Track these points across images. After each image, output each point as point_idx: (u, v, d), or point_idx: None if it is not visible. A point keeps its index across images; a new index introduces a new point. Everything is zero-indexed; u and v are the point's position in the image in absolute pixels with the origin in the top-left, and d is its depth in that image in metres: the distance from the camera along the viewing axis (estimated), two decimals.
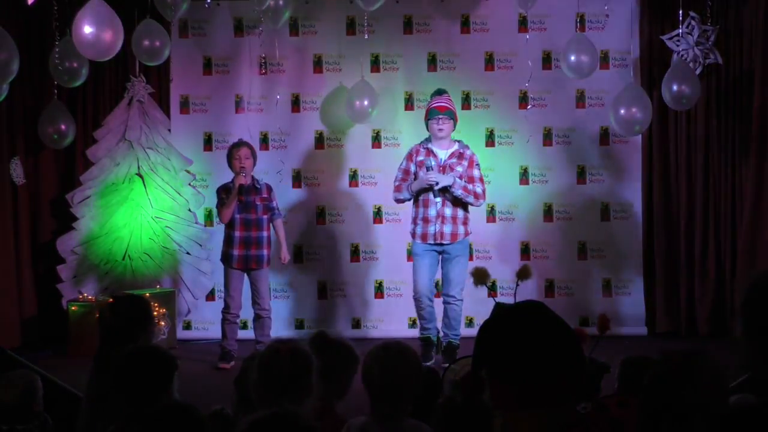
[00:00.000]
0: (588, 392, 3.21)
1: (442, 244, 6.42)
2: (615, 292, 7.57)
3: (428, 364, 6.13)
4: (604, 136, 7.57)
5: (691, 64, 7.19)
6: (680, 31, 7.21)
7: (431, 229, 6.39)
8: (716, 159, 7.42)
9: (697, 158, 7.44)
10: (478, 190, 6.44)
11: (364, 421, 3.04)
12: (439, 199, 6.33)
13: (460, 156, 6.46)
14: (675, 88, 6.81)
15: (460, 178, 6.40)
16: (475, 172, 6.49)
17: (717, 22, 7.26)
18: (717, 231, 7.42)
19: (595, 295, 7.57)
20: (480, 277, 4.80)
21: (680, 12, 7.03)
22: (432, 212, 6.38)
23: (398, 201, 6.63)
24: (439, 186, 6.28)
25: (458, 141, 6.57)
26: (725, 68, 7.36)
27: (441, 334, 6.58)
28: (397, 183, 6.53)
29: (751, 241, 7.24)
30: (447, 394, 3.00)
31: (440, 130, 6.39)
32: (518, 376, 1.86)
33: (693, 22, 7.24)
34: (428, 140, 6.53)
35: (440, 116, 6.39)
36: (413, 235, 6.52)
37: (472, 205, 6.49)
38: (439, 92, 6.57)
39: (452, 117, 6.45)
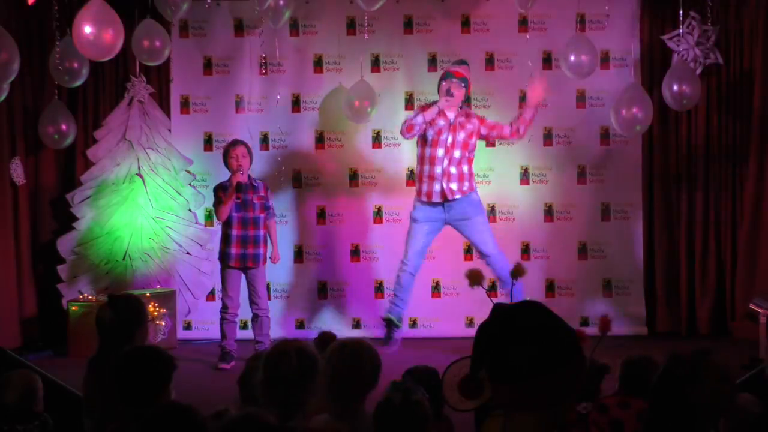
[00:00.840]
0: (588, 392, 3.21)
1: (448, 202, 6.49)
2: (615, 292, 7.57)
3: (389, 349, 6.28)
4: (605, 136, 7.57)
5: (691, 64, 7.19)
6: (681, 31, 7.21)
7: (437, 186, 6.49)
8: (716, 159, 7.42)
9: (697, 158, 7.44)
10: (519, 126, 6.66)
11: (325, 418, 3.05)
12: (446, 159, 6.45)
13: (467, 115, 6.61)
14: (675, 88, 6.81)
15: (471, 135, 6.56)
16: (488, 121, 6.67)
17: (717, 22, 7.26)
18: (717, 231, 7.43)
19: (595, 295, 7.57)
20: (475, 278, 4.80)
21: (680, 12, 7.03)
22: (438, 170, 6.49)
23: (409, 128, 6.52)
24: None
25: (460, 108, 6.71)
26: (725, 68, 7.36)
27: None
28: (410, 117, 6.62)
29: (751, 241, 7.25)
30: (387, 394, 3.00)
31: (449, 91, 6.47)
32: (518, 377, 1.86)
33: (693, 22, 7.24)
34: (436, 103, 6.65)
35: (454, 79, 6.50)
36: (419, 193, 6.60)
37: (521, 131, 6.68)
38: (460, 62, 6.76)
39: (466, 85, 6.58)
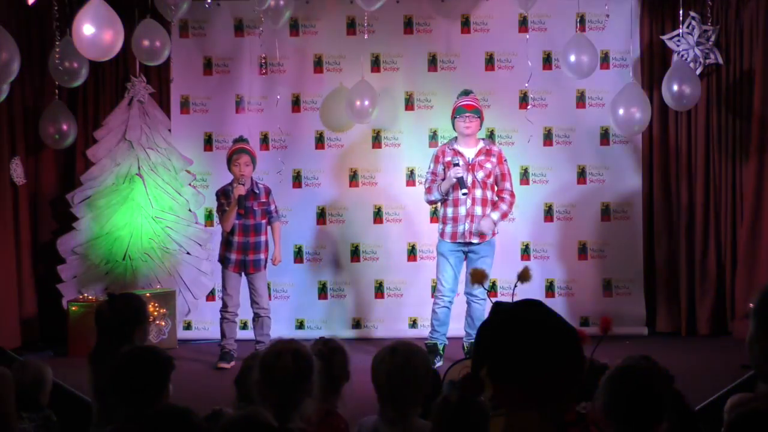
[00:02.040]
0: (588, 392, 3.21)
1: (470, 243, 6.39)
2: (615, 292, 7.57)
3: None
4: (605, 136, 7.57)
5: (691, 64, 7.19)
6: (680, 31, 7.21)
7: (461, 228, 6.37)
8: (716, 159, 7.42)
9: (697, 158, 7.44)
10: (506, 200, 6.49)
11: (374, 421, 3.04)
12: (469, 199, 6.33)
13: (487, 153, 6.47)
14: (675, 88, 6.82)
15: (489, 176, 6.42)
16: (504, 168, 6.53)
17: (717, 22, 7.26)
18: (717, 231, 7.42)
19: (595, 295, 7.56)
20: (477, 277, 4.79)
21: (680, 12, 7.04)
22: (462, 211, 6.36)
23: (430, 203, 6.71)
24: (467, 193, 6.31)
25: (483, 139, 6.61)
26: (725, 68, 7.36)
27: (464, 335, 6.54)
28: (427, 185, 6.52)
29: (751, 241, 7.24)
30: (444, 394, 2.99)
31: (467, 127, 6.39)
32: (518, 375, 1.86)
33: (693, 22, 7.24)
34: (454, 140, 6.53)
35: (467, 114, 6.40)
36: (442, 234, 6.46)
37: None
38: (466, 92, 6.59)
39: (479, 115, 6.47)
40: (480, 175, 6.39)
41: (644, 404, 2.42)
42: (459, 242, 6.40)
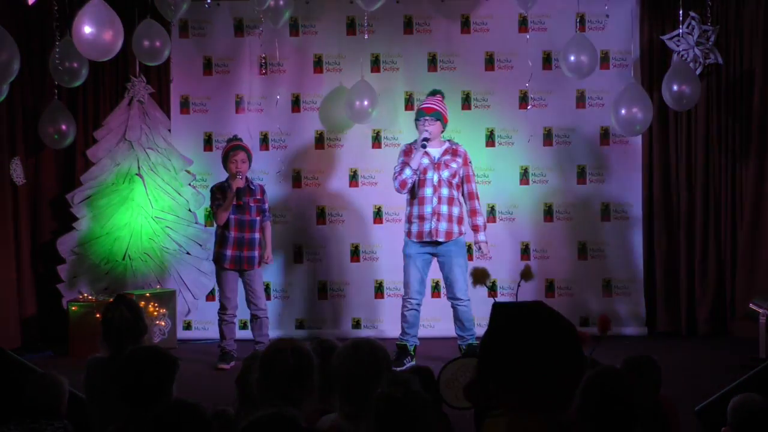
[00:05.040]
0: None
1: (437, 243, 6.42)
2: (615, 292, 7.57)
3: (398, 369, 6.09)
4: (604, 136, 7.57)
5: (691, 64, 7.19)
6: (680, 31, 7.21)
7: (426, 226, 6.39)
8: (716, 159, 7.42)
9: (697, 158, 7.44)
10: (479, 212, 6.57)
11: (333, 419, 3.03)
12: (435, 197, 6.36)
13: (453, 152, 6.50)
14: (675, 88, 6.81)
15: (454, 175, 6.45)
16: (470, 170, 6.57)
17: (717, 22, 7.27)
18: (717, 231, 7.43)
19: (595, 295, 7.56)
20: (479, 277, 4.79)
21: (680, 12, 7.04)
22: (428, 209, 6.39)
23: (403, 184, 6.41)
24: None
25: (448, 140, 6.62)
26: (725, 68, 7.36)
27: (457, 337, 6.55)
28: (398, 169, 6.47)
29: (751, 241, 7.25)
30: (384, 390, 2.97)
31: (425, 131, 6.39)
32: (519, 377, 1.86)
33: (693, 22, 7.24)
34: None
35: (426, 117, 6.41)
36: (408, 234, 6.51)
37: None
38: (432, 93, 6.61)
39: (439, 118, 6.46)
40: (445, 174, 6.42)
41: (615, 410, 2.41)
42: (426, 242, 6.42)
